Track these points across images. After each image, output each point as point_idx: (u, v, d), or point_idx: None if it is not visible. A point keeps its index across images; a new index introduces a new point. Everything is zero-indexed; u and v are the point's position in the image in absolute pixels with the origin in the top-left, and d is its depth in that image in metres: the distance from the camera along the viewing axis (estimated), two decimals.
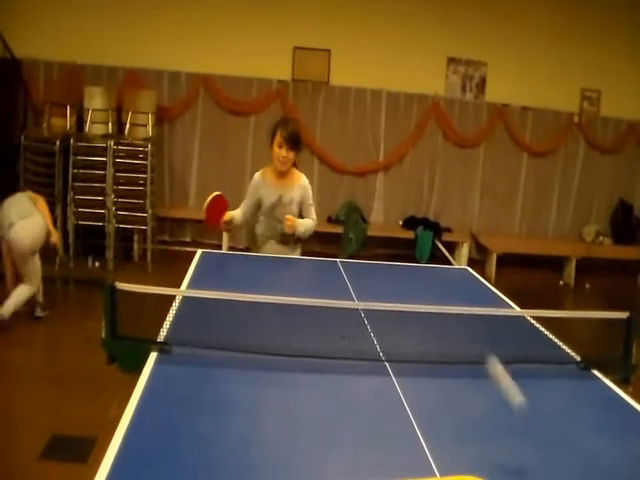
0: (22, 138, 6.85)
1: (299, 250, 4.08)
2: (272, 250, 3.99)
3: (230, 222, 3.93)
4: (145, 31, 7.68)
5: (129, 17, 7.65)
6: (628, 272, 8.40)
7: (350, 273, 3.48)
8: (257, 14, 7.87)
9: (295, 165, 3.98)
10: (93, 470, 1.49)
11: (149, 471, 1.53)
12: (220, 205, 3.89)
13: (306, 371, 2.14)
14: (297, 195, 3.93)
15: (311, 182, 4.08)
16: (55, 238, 5.27)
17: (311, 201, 3.99)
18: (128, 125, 7.39)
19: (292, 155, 3.85)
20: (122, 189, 6.98)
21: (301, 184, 3.96)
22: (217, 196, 3.86)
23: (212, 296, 2.29)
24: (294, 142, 3.83)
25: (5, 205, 5.13)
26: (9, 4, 7.42)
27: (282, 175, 3.93)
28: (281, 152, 3.81)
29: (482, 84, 8.44)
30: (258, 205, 3.97)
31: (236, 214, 3.98)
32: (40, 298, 5.34)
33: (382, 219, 8.50)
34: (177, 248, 7.80)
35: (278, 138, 3.80)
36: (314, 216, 3.99)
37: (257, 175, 4.00)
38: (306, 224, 3.93)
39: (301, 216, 3.96)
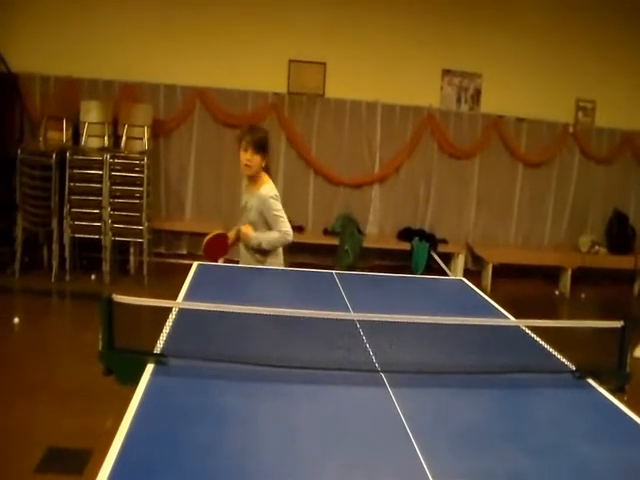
0: (19, 152, 6.83)
1: (277, 262, 4.00)
2: (244, 257, 4.01)
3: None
4: (141, 45, 7.71)
5: (125, 31, 7.68)
6: (623, 281, 8.43)
7: (346, 284, 3.49)
8: (252, 27, 7.91)
9: (267, 169, 3.98)
10: None
11: None
12: (220, 244, 3.93)
13: (302, 382, 2.15)
14: (256, 203, 3.90)
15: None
16: None
17: (276, 212, 3.85)
18: (124, 138, 7.43)
19: (257, 159, 3.85)
20: (118, 202, 6.98)
21: (259, 194, 3.89)
22: (219, 235, 3.90)
23: (208, 308, 2.29)
24: (258, 145, 3.83)
25: None
26: (5, 19, 7.46)
27: (252, 180, 3.96)
28: (245, 155, 3.83)
29: (477, 96, 8.48)
30: None
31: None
32: None
33: (378, 231, 8.51)
34: (173, 261, 7.81)
35: (243, 142, 3.83)
36: (284, 227, 3.85)
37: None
38: (266, 237, 3.86)
39: (268, 226, 3.90)
